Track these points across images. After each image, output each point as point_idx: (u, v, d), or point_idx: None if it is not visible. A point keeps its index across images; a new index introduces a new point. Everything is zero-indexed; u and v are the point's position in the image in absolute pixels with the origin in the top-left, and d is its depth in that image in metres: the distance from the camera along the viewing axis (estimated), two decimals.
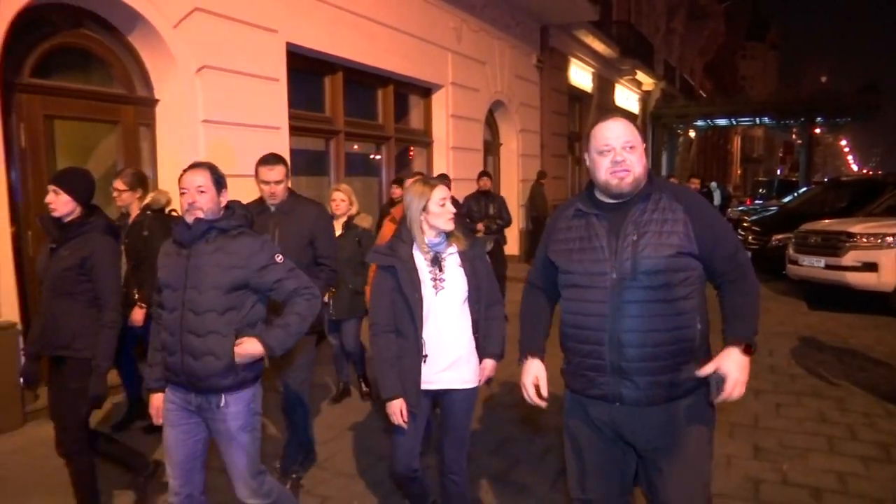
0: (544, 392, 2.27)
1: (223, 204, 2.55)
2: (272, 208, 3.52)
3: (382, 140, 9.08)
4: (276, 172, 3.44)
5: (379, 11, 8.17)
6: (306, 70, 7.40)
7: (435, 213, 2.67)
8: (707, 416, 2.13)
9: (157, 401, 2.62)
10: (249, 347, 2.47)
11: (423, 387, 2.68)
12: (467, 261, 2.73)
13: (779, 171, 44.14)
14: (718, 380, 1.99)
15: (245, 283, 2.49)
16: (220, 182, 2.53)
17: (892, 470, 3.74)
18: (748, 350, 1.99)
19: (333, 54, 7.56)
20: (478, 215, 7.46)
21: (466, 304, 2.72)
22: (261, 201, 3.55)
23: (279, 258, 2.57)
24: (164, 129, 5.78)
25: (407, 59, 8.91)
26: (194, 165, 2.54)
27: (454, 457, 2.80)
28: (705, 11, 29.99)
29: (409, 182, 3.04)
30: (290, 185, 3.62)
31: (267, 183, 3.46)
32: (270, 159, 3.49)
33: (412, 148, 9.96)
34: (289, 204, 3.55)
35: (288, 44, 6.78)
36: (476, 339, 2.76)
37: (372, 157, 9.19)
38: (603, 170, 2.06)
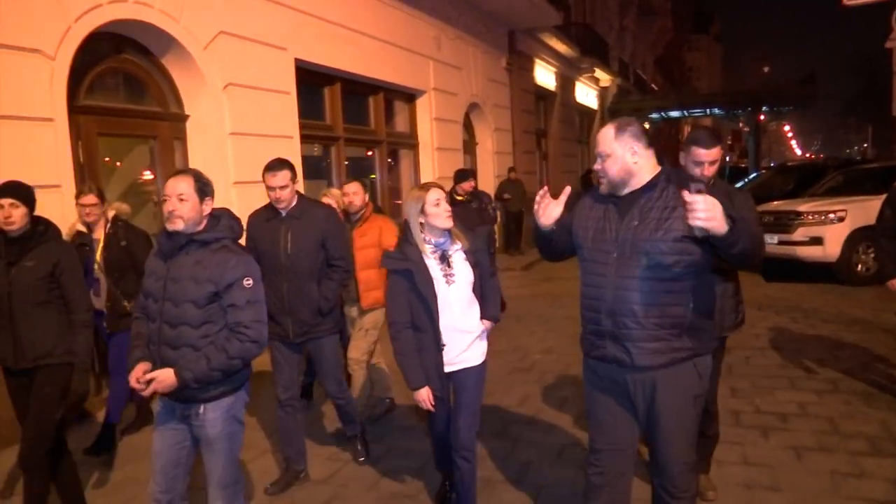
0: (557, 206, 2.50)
1: (206, 212, 2.48)
2: (283, 213, 3.60)
3: (375, 144, 9.79)
4: (281, 178, 3.50)
5: (369, 25, 8.86)
6: (310, 83, 8.06)
7: (432, 213, 2.90)
8: (692, 386, 2.37)
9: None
10: (164, 378, 2.40)
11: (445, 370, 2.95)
12: (471, 254, 3.01)
13: (727, 158, 46.01)
14: (698, 187, 2.08)
15: (217, 297, 2.44)
16: (203, 190, 2.46)
17: (840, 397, 4.67)
18: (732, 222, 2.08)
19: (333, 67, 8.23)
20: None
21: (473, 293, 3.01)
22: (272, 206, 3.63)
23: (248, 282, 2.47)
24: (195, 142, 6.38)
25: (394, 68, 9.61)
26: (178, 172, 2.50)
27: (466, 434, 3.00)
28: (654, 8, 31.34)
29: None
30: (297, 189, 3.68)
31: (272, 189, 3.53)
32: (275, 165, 3.54)
33: (400, 150, 10.69)
34: (299, 208, 3.63)
35: (296, 59, 7.44)
36: (483, 320, 3.08)
37: (366, 160, 9.88)
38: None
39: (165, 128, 6.19)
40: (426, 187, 2.97)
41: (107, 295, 4.23)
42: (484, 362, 3.07)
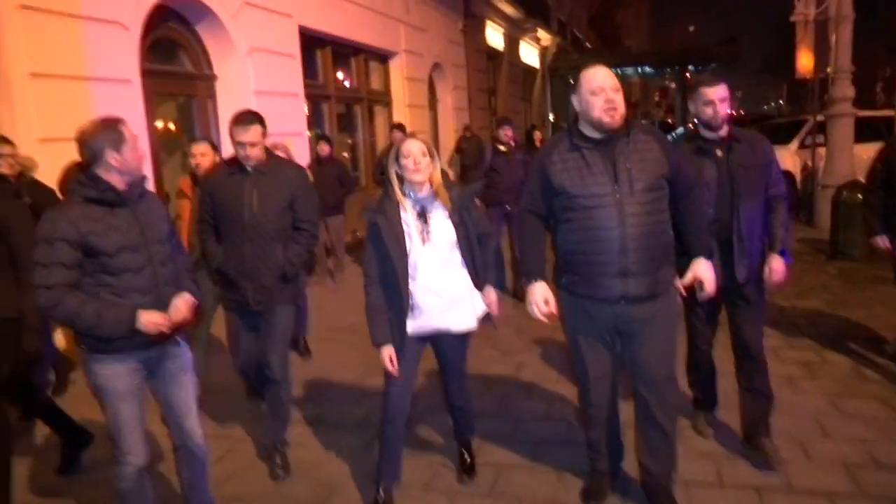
0: (553, 308, 2.66)
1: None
2: (249, 169, 3.27)
3: (357, 101, 10.87)
4: (252, 133, 3.18)
5: None
6: (308, 46, 9.06)
7: (402, 165, 2.74)
8: (674, 309, 2.76)
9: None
10: (188, 299, 2.58)
11: (417, 332, 2.81)
12: (455, 212, 2.79)
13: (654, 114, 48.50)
14: (700, 286, 2.68)
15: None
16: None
17: (806, 342, 4.83)
18: (709, 255, 2.76)
19: (325, 32, 9.25)
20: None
21: (457, 253, 2.80)
22: (234, 161, 3.33)
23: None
24: (223, 100, 7.39)
25: (372, 31, 10.66)
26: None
27: (456, 386, 3.06)
28: None
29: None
30: (266, 145, 3.35)
31: (242, 145, 3.19)
32: (245, 118, 3.21)
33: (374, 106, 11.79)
34: (268, 164, 3.31)
35: (299, 26, 8.45)
36: (474, 282, 2.86)
37: (349, 115, 10.97)
38: (597, 108, 2.45)
39: (201, 87, 7.18)
40: (405, 139, 2.80)
41: None
42: (468, 331, 2.90)
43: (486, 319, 2.93)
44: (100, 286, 2.38)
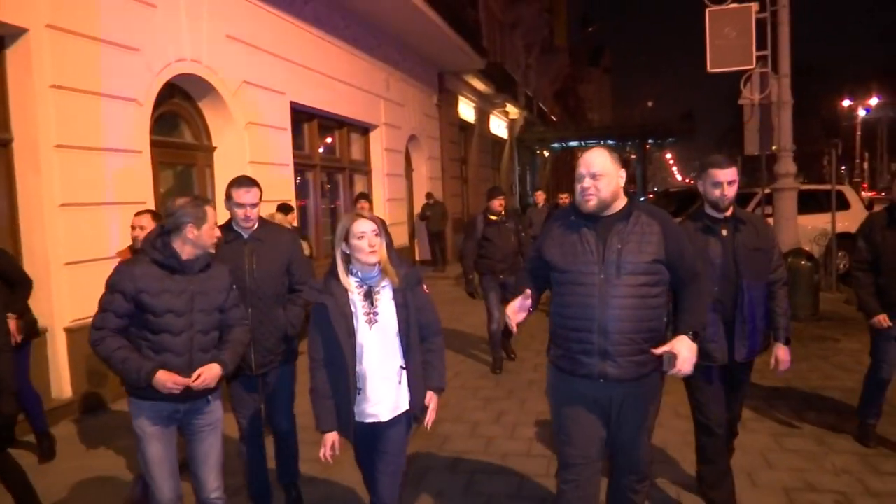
0: (520, 317, 2.64)
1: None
2: (245, 235, 3.39)
3: (340, 170, 11.52)
4: (253, 195, 3.35)
5: (339, 71, 10.65)
6: (297, 119, 9.72)
7: (355, 245, 2.61)
8: (659, 390, 2.67)
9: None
10: (215, 370, 2.75)
11: (360, 419, 2.67)
12: (400, 292, 2.68)
13: None
14: (670, 357, 2.47)
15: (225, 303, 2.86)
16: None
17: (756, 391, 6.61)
18: (695, 337, 2.51)
19: (313, 106, 9.94)
20: None
21: (398, 338, 2.68)
22: (230, 227, 3.41)
23: (233, 286, 2.94)
24: (220, 168, 7.92)
25: (355, 106, 11.41)
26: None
27: (387, 485, 2.74)
28: (554, 47, 34.62)
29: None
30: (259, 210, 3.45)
31: (242, 206, 3.33)
32: (246, 181, 3.37)
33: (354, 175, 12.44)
34: (262, 230, 3.44)
35: (291, 102, 9.12)
36: (407, 370, 2.70)
37: (332, 182, 11.59)
38: (577, 193, 2.57)
39: (200, 157, 7.72)
40: (355, 216, 2.66)
41: None
42: (410, 414, 2.75)
43: (415, 419, 2.78)
44: (141, 339, 2.68)
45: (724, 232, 3.16)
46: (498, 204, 6.38)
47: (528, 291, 2.61)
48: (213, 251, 2.85)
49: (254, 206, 3.35)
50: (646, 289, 2.49)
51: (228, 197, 3.35)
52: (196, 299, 2.73)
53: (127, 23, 6.14)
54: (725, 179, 3.10)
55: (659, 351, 2.51)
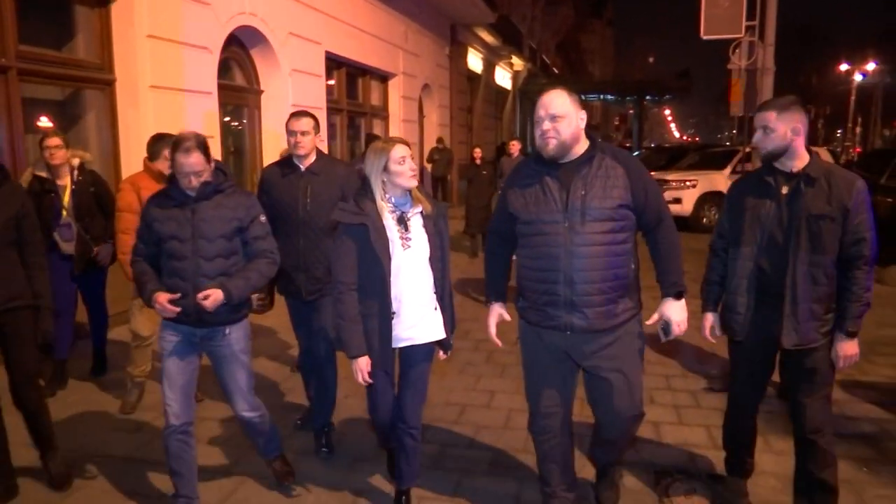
0: (494, 334, 2.73)
1: (212, 166, 2.81)
2: (301, 168, 3.53)
3: (362, 115, 12.61)
4: (304, 123, 3.47)
5: (365, 22, 11.64)
6: (329, 68, 10.76)
7: (395, 171, 2.64)
8: (638, 342, 2.56)
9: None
10: (216, 296, 2.69)
11: (394, 344, 2.69)
12: (431, 221, 2.73)
13: (614, 138, 51.33)
14: (665, 325, 2.46)
15: (241, 230, 2.85)
16: (208, 153, 2.77)
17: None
18: (679, 296, 2.48)
19: (343, 55, 10.97)
20: None
21: (429, 263, 2.74)
22: (288, 162, 3.60)
23: (263, 218, 2.92)
24: (266, 110, 9.03)
25: (378, 56, 12.42)
26: (189, 149, 2.69)
27: (414, 410, 2.84)
28: None
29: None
30: (317, 144, 3.61)
31: (294, 133, 3.47)
32: (298, 112, 3.59)
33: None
34: (318, 164, 3.57)
35: (326, 52, 10.16)
36: (437, 295, 2.78)
37: (354, 126, 12.70)
38: (537, 137, 2.45)
39: (251, 99, 8.83)
40: (391, 142, 2.72)
41: (77, 239, 4.36)
42: (434, 342, 2.82)
43: (444, 347, 2.87)
44: (164, 266, 2.82)
45: (785, 190, 2.62)
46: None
47: (496, 308, 2.83)
48: (192, 181, 2.77)
49: (304, 133, 3.47)
50: (612, 235, 2.42)
51: (287, 129, 3.53)
52: (199, 226, 2.78)
53: None
54: (760, 125, 2.65)
55: (651, 322, 2.54)
